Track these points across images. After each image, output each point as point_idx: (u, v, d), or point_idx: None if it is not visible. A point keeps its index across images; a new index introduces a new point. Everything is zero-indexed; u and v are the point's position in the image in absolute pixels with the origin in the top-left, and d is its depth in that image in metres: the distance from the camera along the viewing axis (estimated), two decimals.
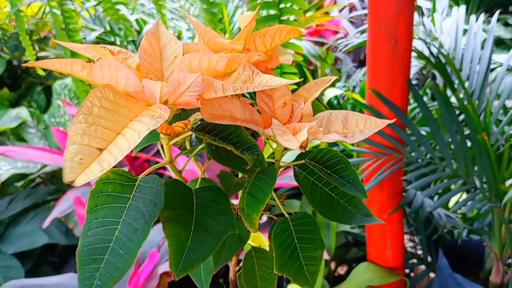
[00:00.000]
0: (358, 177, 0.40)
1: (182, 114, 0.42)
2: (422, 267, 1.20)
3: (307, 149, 0.36)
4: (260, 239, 0.83)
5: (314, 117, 0.40)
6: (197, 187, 0.40)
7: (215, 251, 0.35)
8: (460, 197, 1.12)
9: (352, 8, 2.00)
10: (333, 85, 1.48)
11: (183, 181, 0.40)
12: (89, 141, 0.29)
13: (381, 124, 0.39)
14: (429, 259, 1.18)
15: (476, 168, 0.88)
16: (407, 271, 1.25)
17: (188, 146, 0.47)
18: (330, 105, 1.33)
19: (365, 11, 1.62)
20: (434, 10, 1.40)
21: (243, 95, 0.43)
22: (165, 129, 0.35)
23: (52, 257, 1.35)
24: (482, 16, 1.02)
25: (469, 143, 0.91)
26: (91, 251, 0.31)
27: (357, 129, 0.39)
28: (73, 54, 1.21)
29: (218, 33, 0.43)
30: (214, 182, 0.46)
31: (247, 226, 0.37)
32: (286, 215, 0.43)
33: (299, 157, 0.43)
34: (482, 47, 0.95)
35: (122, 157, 0.28)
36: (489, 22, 1.65)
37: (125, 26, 1.33)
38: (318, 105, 0.45)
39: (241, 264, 0.49)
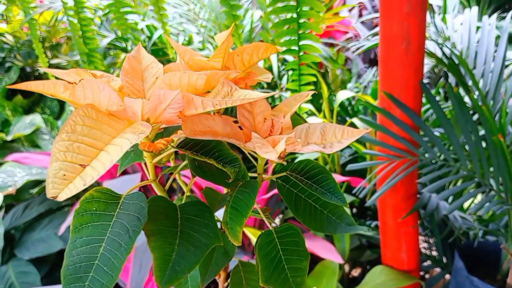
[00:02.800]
0: (338, 186, 0.42)
1: (164, 132, 0.43)
2: (438, 269, 1.19)
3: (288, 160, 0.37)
4: None
5: (293, 130, 0.41)
6: (182, 203, 0.41)
7: (201, 266, 0.35)
8: (475, 198, 1.11)
9: (361, 7, 1.99)
10: (344, 86, 1.48)
11: (168, 198, 0.41)
12: (72, 158, 0.29)
13: (358, 133, 0.40)
14: (444, 260, 1.16)
15: (491, 169, 0.87)
16: (422, 273, 1.24)
17: (172, 164, 0.47)
18: (342, 107, 1.32)
19: (376, 14, 1.61)
20: (445, 9, 1.38)
21: (225, 113, 0.46)
22: (147, 146, 0.36)
23: None
24: (495, 14, 1.00)
25: (483, 144, 0.90)
26: (76, 269, 0.32)
27: (335, 139, 0.40)
28: (91, 63, 1.22)
29: (199, 53, 0.45)
30: (199, 199, 0.47)
31: (231, 239, 0.37)
32: (271, 227, 0.43)
33: (281, 170, 0.45)
34: (496, 46, 0.94)
35: (104, 171, 0.29)
36: (502, 18, 1.63)
37: (133, 36, 1.34)
38: (298, 119, 0.46)
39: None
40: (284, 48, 1.07)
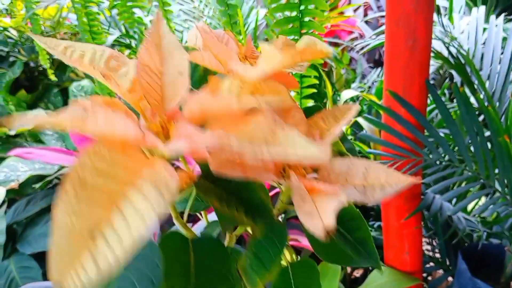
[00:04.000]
0: (371, 238, 0.37)
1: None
2: (441, 271, 1.18)
3: None
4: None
5: (332, 164, 0.35)
6: (200, 232, 0.37)
7: None
8: (479, 200, 1.10)
9: (367, 7, 1.98)
10: (348, 86, 1.47)
11: (192, 235, 0.37)
12: (80, 222, 0.23)
13: (404, 180, 0.34)
14: (448, 262, 1.15)
15: (497, 171, 0.86)
16: (424, 274, 1.23)
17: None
18: None
19: (382, 13, 1.60)
20: (451, 9, 1.37)
21: None
22: None
23: None
24: (502, 15, 0.99)
25: (489, 145, 0.89)
26: None
27: (377, 182, 0.34)
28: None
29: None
30: (216, 238, 0.42)
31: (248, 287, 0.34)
32: (287, 264, 0.41)
33: None
34: (503, 47, 0.93)
35: (123, 255, 0.22)
36: (508, 20, 1.62)
37: (140, 30, 1.34)
38: (335, 142, 0.41)
39: None
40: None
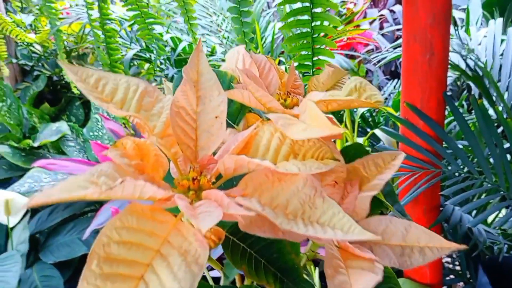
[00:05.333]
0: None
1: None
2: (461, 284, 1.17)
3: None
4: None
5: (369, 220, 0.33)
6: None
7: None
8: (499, 212, 1.09)
9: (382, 20, 1.99)
10: None
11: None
12: None
13: (447, 245, 0.32)
14: (468, 275, 1.14)
15: None
16: (444, 287, 1.22)
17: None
18: (363, 119, 1.32)
19: (398, 26, 1.61)
20: (468, 21, 1.38)
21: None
22: None
23: None
24: None
25: (508, 157, 0.89)
26: None
27: (417, 245, 0.31)
28: (112, 68, 1.25)
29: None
30: None
31: None
32: None
33: None
34: None
35: None
36: None
37: (158, 46, 1.37)
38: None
39: None
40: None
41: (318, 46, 1.01)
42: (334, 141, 0.35)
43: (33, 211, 1.37)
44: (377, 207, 0.36)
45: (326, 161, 0.29)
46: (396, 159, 0.34)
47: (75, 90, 1.41)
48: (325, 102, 0.33)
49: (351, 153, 0.36)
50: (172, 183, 0.31)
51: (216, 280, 0.40)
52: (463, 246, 0.31)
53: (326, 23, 0.97)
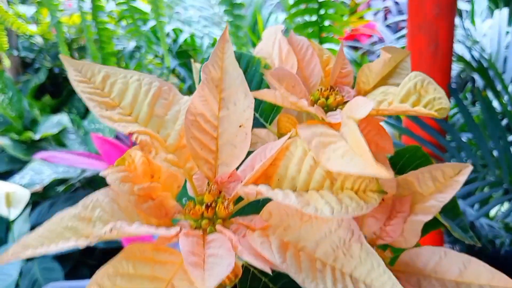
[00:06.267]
0: None
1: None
2: None
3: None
4: None
5: (419, 250, 0.28)
6: None
7: None
8: (502, 205, 1.08)
9: (387, 11, 1.97)
10: None
11: None
12: None
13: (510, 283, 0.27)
14: None
15: None
16: None
17: None
18: None
19: (402, 17, 1.59)
20: (473, 12, 1.36)
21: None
22: None
23: (90, 260, 1.39)
24: None
25: None
26: None
27: (476, 282, 0.27)
28: (104, 61, 1.24)
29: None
30: None
31: None
32: None
33: None
34: None
35: None
36: None
37: (147, 44, 1.34)
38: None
39: None
40: None
41: (325, 35, 1.01)
42: None
43: (33, 204, 1.37)
44: (432, 227, 0.30)
45: (369, 195, 0.23)
46: (461, 175, 0.27)
47: None
48: (373, 111, 0.27)
49: (404, 159, 0.31)
50: (189, 197, 0.27)
51: None
52: None
53: (330, 11, 0.96)
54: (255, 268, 0.28)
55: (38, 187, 1.28)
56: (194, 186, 0.27)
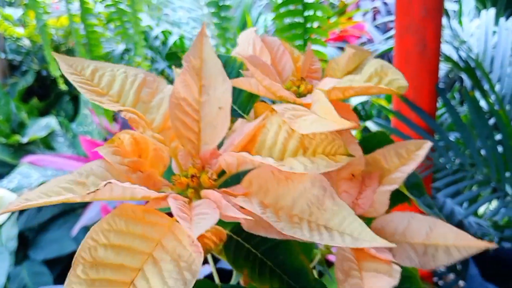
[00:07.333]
0: None
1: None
2: (452, 275, 1.17)
3: None
4: None
5: (389, 216, 0.30)
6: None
7: None
8: (490, 204, 1.09)
9: (376, 12, 1.98)
10: None
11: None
12: None
13: (476, 244, 0.29)
14: (459, 267, 1.14)
15: (508, 175, 0.86)
16: (435, 279, 1.22)
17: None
18: (356, 111, 1.31)
19: (391, 18, 1.60)
20: (460, 12, 1.37)
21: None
22: None
23: None
24: None
25: (500, 149, 0.89)
26: None
27: (443, 243, 0.29)
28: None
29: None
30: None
31: None
32: None
33: None
34: None
35: None
36: None
37: (135, 47, 1.34)
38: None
39: None
40: None
41: (309, 36, 1.01)
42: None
43: None
44: (400, 200, 0.32)
45: (338, 157, 0.26)
46: (422, 149, 0.31)
47: (62, 86, 1.39)
48: (340, 90, 0.30)
49: (373, 143, 0.33)
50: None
51: (227, 273, 0.37)
52: (492, 245, 0.29)
53: (318, 13, 0.96)
54: (239, 236, 0.30)
55: (26, 191, 1.27)
56: (179, 163, 0.29)
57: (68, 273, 0.22)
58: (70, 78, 0.28)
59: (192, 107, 0.29)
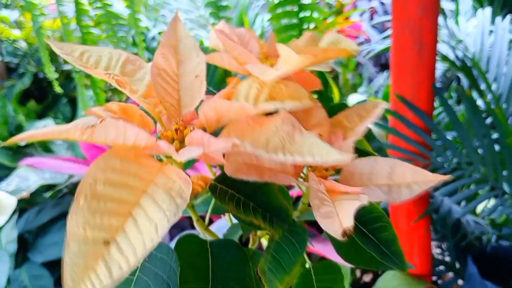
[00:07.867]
0: (397, 241, 0.34)
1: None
2: (450, 274, 1.18)
3: None
4: None
5: (354, 162, 0.33)
6: (223, 234, 0.36)
7: None
8: (488, 202, 1.10)
9: (373, 12, 1.98)
10: (355, 90, 1.47)
11: (214, 237, 0.37)
12: (93, 232, 0.23)
13: (433, 177, 0.31)
14: (457, 265, 1.15)
15: (505, 173, 0.86)
16: (434, 278, 1.22)
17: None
18: None
19: (388, 17, 1.61)
20: (457, 12, 1.38)
21: None
22: None
23: None
24: (508, 16, 1.00)
25: (497, 147, 0.89)
26: None
27: (403, 181, 0.31)
28: (88, 74, 1.23)
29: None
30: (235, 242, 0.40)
31: None
32: (309, 265, 0.39)
33: None
34: (509, 48, 0.93)
35: (136, 261, 0.22)
36: None
37: (127, 50, 1.34)
38: (360, 141, 0.39)
39: None
40: None
41: None
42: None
43: (20, 211, 1.36)
44: (362, 153, 0.37)
45: (303, 101, 0.30)
46: (378, 107, 0.34)
47: (58, 89, 1.39)
48: (302, 58, 0.33)
49: (335, 111, 0.37)
50: None
51: None
52: (448, 177, 0.32)
53: (315, 14, 0.96)
54: (223, 183, 0.34)
55: (24, 194, 1.27)
56: (163, 124, 0.32)
57: (71, 205, 0.24)
58: (63, 56, 0.32)
59: (171, 77, 0.32)
